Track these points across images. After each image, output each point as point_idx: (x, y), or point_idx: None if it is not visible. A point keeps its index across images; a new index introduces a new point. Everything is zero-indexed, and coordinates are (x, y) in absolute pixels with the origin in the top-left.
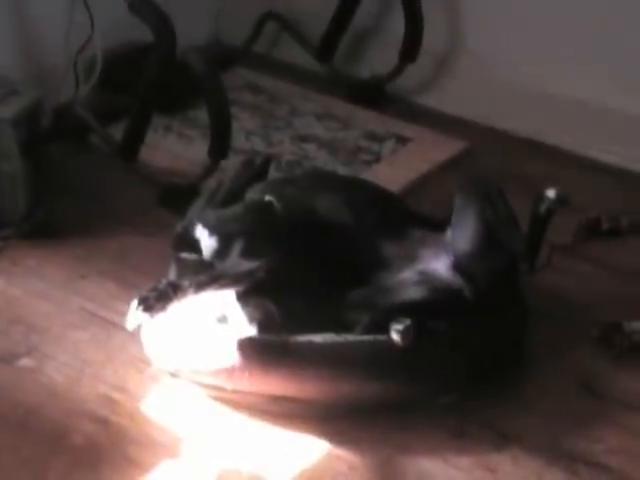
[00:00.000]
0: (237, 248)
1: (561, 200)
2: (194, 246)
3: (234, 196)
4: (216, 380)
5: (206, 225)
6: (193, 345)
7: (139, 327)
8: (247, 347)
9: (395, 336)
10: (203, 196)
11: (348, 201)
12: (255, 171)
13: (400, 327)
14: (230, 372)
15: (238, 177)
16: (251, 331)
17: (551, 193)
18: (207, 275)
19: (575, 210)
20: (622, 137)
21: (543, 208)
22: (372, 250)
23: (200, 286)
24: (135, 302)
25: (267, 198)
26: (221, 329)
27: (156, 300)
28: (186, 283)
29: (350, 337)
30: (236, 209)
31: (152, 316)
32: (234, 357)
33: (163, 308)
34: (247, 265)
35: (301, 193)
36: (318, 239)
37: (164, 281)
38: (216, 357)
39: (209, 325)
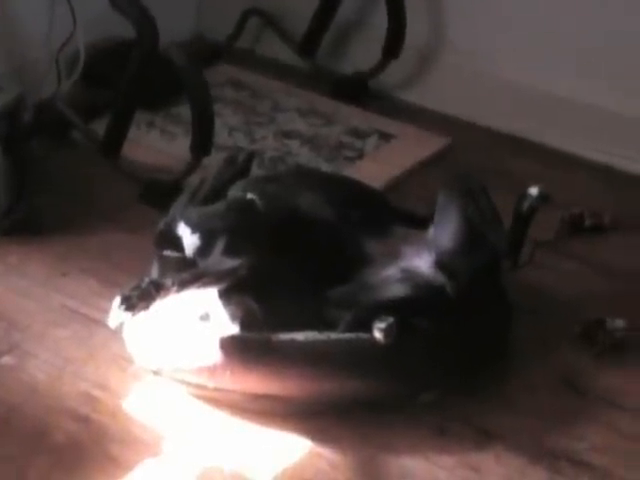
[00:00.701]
0: (219, 246)
1: (544, 197)
2: (176, 243)
3: (217, 193)
4: (198, 378)
5: (188, 222)
6: (175, 343)
7: (121, 325)
8: (229, 345)
9: (377, 334)
10: (185, 193)
11: (331, 198)
12: (238, 168)
13: (382, 325)
14: (212, 370)
15: (221, 174)
16: (233, 329)
17: (534, 190)
18: (190, 273)
19: (558, 207)
20: (606, 134)
21: (526, 205)
22: (355, 247)
23: (183, 284)
24: (117, 300)
25: (249, 196)
26: (203, 327)
27: (139, 299)
28: (169, 282)
29: (332, 335)
30: (218, 206)
31: (134, 315)
32: (216, 355)
33: (146, 307)
34: (229, 263)
35: (284, 190)
36: (301, 236)
37: (147, 280)
38: (198, 355)
39: (191, 323)
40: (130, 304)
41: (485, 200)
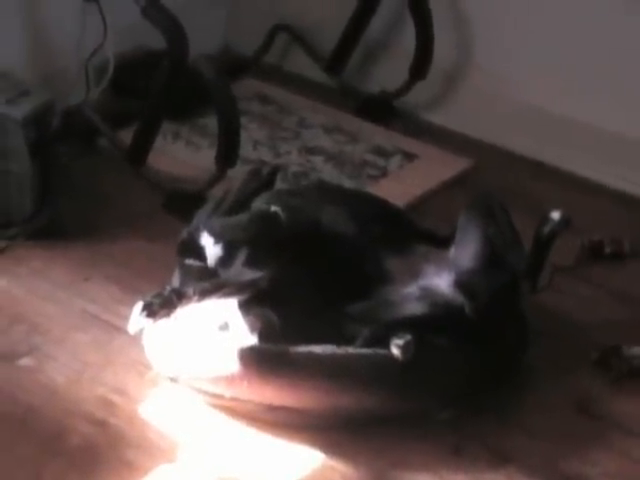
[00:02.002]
0: (241, 257)
1: (566, 222)
2: (199, 253)
3: (240, 205)
4: (215, 387)
5: (212, 232)
6: (194, 351)
7: (141, 331)
8: (247, 356)
9: (395, 350)
10: (210, 203)
11: (353, 214)
12: (262, 181)
13: (400, 342)
14: (229, 380)
15: (245, 186)
16: (252, 340)
17: (555, 215)
18: (211, 283)
19: (577, 232)
20: (627, 161)
21: (547, 229)
22: (375, 264)
23: (204, 294)
24: (139, 307)
25: (273, 208)
26: (222, 337)
27: (160, 307)
28: (190, 291)
29: (350, 349)
30: (242, 218)
31: (155, 322)
32: (234, 365)
33: (167, 315)
34: (250, 274)
35: (307, 204)
36: (322, 251)
37: (168, 288)
38: (216, 364)
39: (210, 332)
40: (151, 311)
41: (506, 221)
